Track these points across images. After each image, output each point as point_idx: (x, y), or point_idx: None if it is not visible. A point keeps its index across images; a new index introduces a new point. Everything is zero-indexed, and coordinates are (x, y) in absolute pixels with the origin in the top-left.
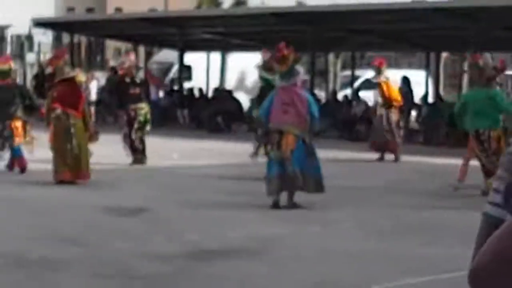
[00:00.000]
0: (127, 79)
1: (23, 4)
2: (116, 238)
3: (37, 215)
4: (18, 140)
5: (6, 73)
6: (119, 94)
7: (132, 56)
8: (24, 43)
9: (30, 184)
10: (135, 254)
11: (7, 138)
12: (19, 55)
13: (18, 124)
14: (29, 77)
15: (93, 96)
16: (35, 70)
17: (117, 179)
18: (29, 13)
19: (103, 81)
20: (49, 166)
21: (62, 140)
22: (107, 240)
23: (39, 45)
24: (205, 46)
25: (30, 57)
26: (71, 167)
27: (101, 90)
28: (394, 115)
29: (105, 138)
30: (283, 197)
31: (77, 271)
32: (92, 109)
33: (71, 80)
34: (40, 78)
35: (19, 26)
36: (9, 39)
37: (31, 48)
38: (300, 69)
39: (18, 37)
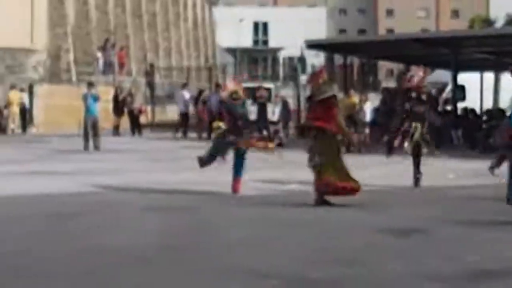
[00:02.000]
0: (413, 94)
1: (296, 27)
2: (392, 258)
3: (315, 236)
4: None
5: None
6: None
7: (421, 72)
8: (297, 65)
9: (299, 206)
10: (413, 274)
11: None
12: (292, 77)
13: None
14: (302, 99)
15: (367, 117)
16: (307, 92)
17: (392, 199)
18: (301, 36)
19: (376, 103)
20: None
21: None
22: (383, 260)
23: (312, 66)
24: (478, 66)
25: (303, 78)
26: (341, 179)
27: (374, 112)
28: None
29: (377, 159)
30: None
31: None
32: (367, 130)
33: (329, 100)
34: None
35: (291, 48)
36: (281, 61)
37: (304, 70)
38: None
39: (291, 59)
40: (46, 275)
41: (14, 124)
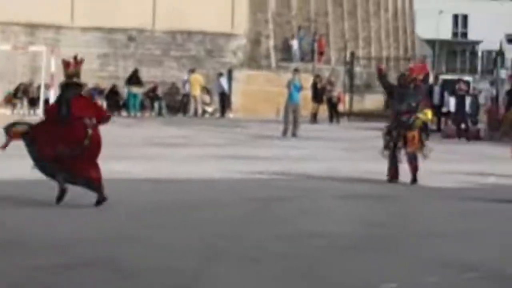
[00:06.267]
0: None
1: (496, 20)
2: None
3: None
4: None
5: None
6: None
7: None
8: (496, 59)
9: (498, 200)
10: None
11: None
12: (490, 71)
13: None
14: (502, 93)
15: None
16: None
17: None
18: (501, 29)
19: None
20: None
21: None
22: None
23: (511, 61)
24: None
25: (502, 73)
26: None
27: None
28: None
29: None
30: None
31: None
32: None
33: None
34: None
35: (490, 42)
36: (480, 54)
37: (502, 64)
38: None
39: (489, 52)
40: (252, 259)
41: (199, 106)
